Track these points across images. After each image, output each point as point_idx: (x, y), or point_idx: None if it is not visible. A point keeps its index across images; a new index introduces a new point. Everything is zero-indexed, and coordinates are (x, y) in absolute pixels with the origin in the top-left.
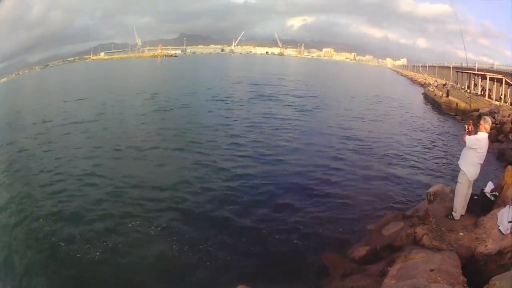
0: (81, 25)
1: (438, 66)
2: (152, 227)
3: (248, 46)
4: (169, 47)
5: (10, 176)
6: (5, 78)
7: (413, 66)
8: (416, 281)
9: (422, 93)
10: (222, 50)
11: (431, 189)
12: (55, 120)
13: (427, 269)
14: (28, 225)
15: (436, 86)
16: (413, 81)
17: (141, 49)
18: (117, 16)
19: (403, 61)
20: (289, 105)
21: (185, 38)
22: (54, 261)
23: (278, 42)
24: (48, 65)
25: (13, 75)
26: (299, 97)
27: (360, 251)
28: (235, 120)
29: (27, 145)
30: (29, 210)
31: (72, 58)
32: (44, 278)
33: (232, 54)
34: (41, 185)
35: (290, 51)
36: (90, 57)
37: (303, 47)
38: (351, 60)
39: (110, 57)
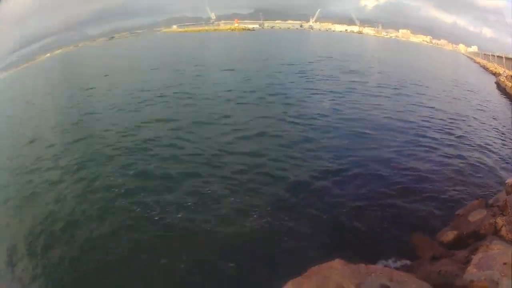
0: None
1: (505, 57)
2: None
3: (326, 23)
4: (245, 21)
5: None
6: (60, 50)
7: (484, 54)
8: (492, 273)
9: (495, 82)
10: (301, 26)
11: (509, 180)
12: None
13: (501, 262)
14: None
15: (505, 77)
16: (485, 69)
17: (216, 22)
18: None
19: (474, 48)
20: (368, 82)
21: (261, 13)
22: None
23: (355, 20)
24: (114, 37)
25: (71, 46)
26: (380, 73)
27: (449, 235)
28: (319, 94)
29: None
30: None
31: (140, 31)
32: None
33: (311, 30)
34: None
35: (368, 30)
36: (160, 29)
37: (381, 27)
38: (427, 42)
39: (184, 29)
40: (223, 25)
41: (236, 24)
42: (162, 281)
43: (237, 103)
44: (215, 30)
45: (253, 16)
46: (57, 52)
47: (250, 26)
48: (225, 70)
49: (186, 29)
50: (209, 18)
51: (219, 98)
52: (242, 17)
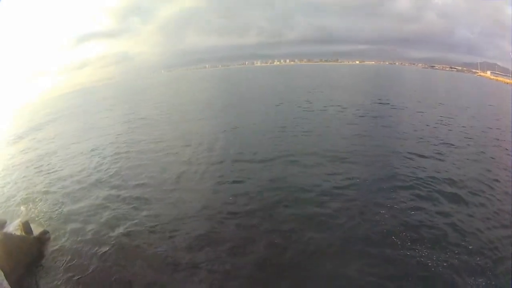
0: (461, 36)
1: None
2: None
3: None
4: None
5: None
6: (373, 62)
7: None
8: None
9: None
10: None
11: None
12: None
13: None
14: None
15: None
16: None
17: None
18: (495, 37)
19: None
20: None
21: None
22: None
23: None
24: (434, 66)
25: (383, 62)
26: None
27: None
28: None
29: None
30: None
31: (460, 68)
32: None
33: None
34: None
35: None
36: (478, 73)
37: None
38: None
39: (495, 77)
40: None
41: None
42: None
43: None
44: None
45: None
46: (370, 63)
47: None
48: None
49: (497, 77)
50: None
51: None
52: None
